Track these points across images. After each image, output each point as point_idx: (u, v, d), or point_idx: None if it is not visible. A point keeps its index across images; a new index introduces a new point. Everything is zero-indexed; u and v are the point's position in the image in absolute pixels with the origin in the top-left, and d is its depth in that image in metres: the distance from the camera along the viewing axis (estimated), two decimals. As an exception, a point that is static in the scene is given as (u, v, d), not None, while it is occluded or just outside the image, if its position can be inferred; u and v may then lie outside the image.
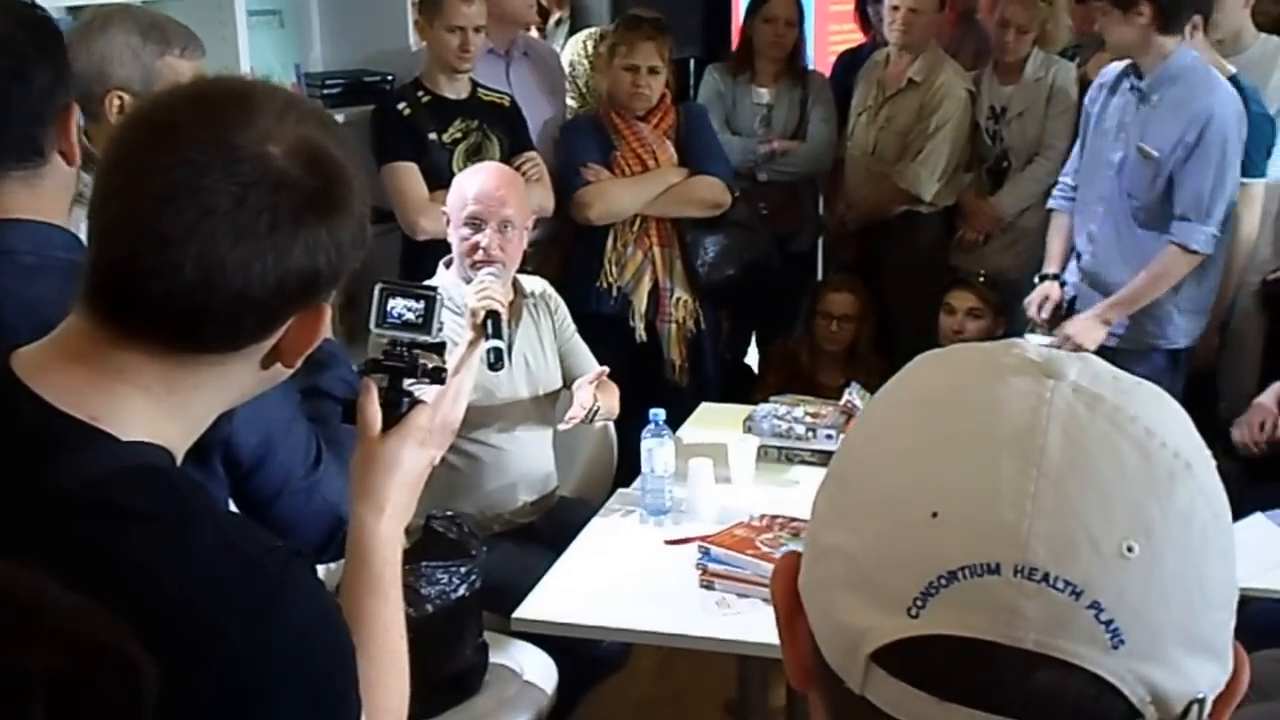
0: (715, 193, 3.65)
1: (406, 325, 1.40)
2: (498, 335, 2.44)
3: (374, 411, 1.27)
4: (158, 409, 0.99)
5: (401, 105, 3.48)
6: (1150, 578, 0.53)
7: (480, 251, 2.67)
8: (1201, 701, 0.55)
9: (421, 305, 1.40)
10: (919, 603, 0.54)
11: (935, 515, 0.55)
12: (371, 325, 1.41)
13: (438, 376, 1.38)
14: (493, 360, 2.43)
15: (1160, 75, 3.20)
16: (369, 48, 3.91)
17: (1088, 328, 3.33)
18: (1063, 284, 3.48)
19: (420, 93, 3.50)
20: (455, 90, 3.52)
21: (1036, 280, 3.55)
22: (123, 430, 0.96)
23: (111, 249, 0.97)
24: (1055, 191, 3.58)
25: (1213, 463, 0.58)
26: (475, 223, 2.69)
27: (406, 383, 1.34)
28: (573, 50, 4.32)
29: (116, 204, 0.97)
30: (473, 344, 2.46)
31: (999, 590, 0.53)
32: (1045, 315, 3.45)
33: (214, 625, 0.92)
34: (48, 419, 0.95)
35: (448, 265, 2.79)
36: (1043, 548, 0.53)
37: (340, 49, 3.93)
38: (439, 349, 1.42)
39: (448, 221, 2.76)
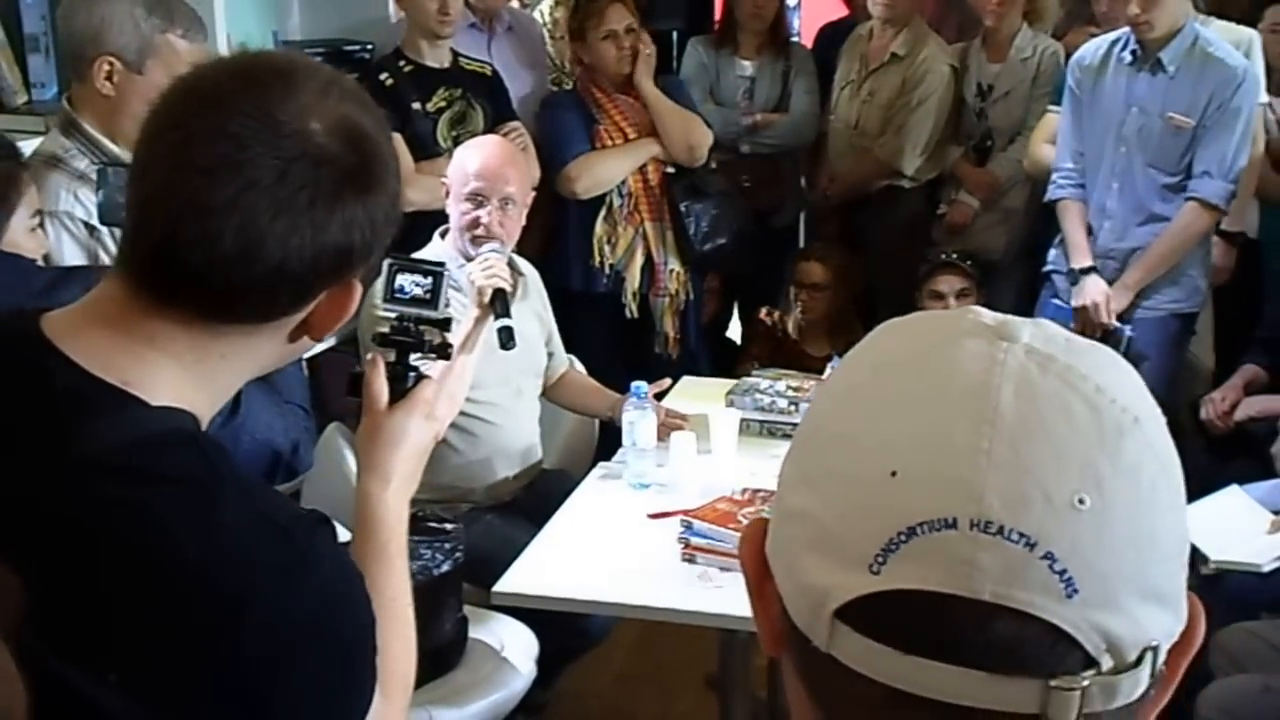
0: (697, 133, 3.63)
1: (414, 301, 1.43)
2: (506, 314, 2.43)
3: (381, 385, 1.31)
4: (186, 376, 1.00)
5: (383, 75, 3.45)
6: (1101, 528, 0.55)
7: (481, 228, 2.67)
8: (1155, 649, 0.56)
9: (429, 281, 1.43)
10: (880, 559, 0.55)
11: (894, 474, 0.56)
12: (379, 300, 1.44)
13: (444, 352, 1.41)
14: (504, 340, 2.43)
15: (1178, 46, 3.20)
16: (348, 16, 3.88)
17: (1113, 295, 3.31)
18: (1096, 270, 3.37)
19: (402, 62, 3.47)
20: (437, 59, 3.49)
21: (1072, 271, 3.37)
22: (152, 396, 0.97)
23: (152, 218, 0.98)
24: (1058, 180, 3.45)
25: (1163, 420, 0.59)
26: (477, 198, 2.69)
27: (413, 358, 1.36)
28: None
29: (159, 174, 0.98)
30: (479, 321, 2.45)
31: (956, 544, 0.54)
32: (1115, 306, 3.31)
33: (240, 591, 0.93)
34: (79, 382, 0.96)
35: (443, 235, 2.78)
36: (997, 501, 0.54)
37: (318, 17, 3.89)
38: (445, 324, 1.45)
39: (447, 193, 2.75)
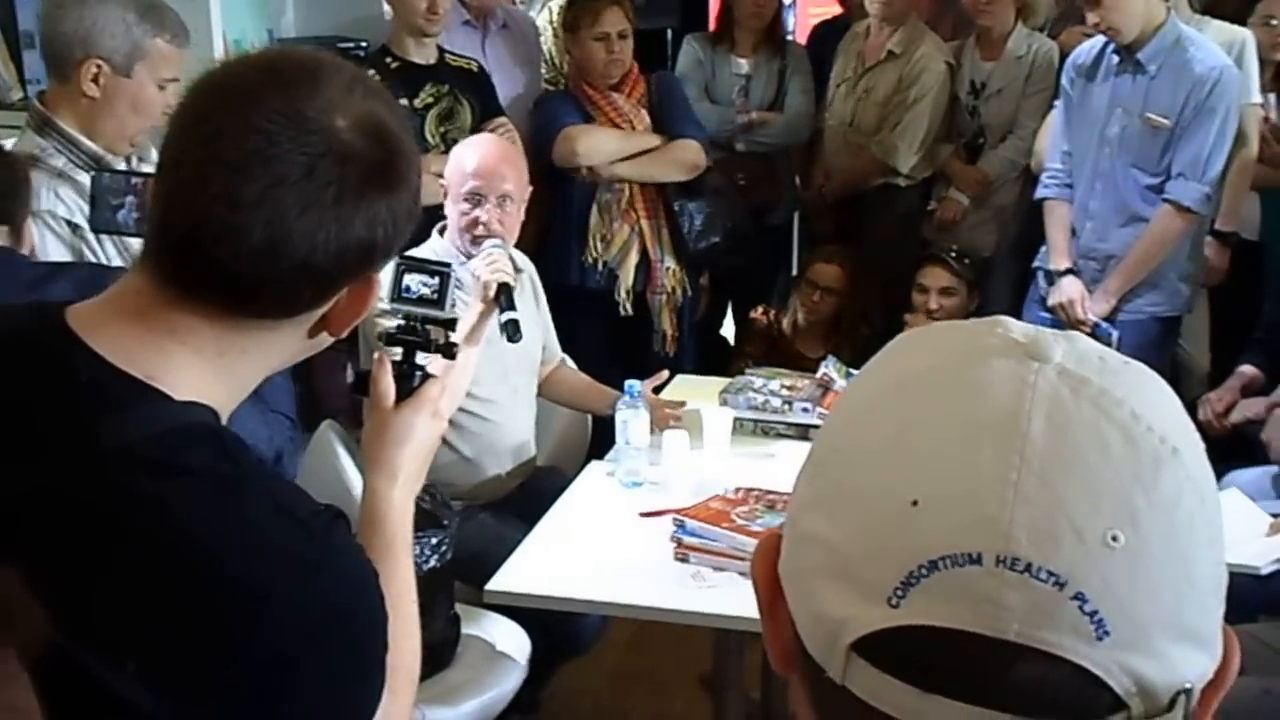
0: (693, 154, 3.64)
1: (421, 300, 1.46)
2: (511, 307, 2.44)
3: (388, 383, 1.32)
4: (208, 370, 1.01)
5: (371, 73, 3.42)
6: (1136, 567, 0.52)
7: (480, 226, 2.69)
8: (1189, 692, 0.54)
9: (436, 281, 1.46)
10: (899, 593, 0.53)
11: (915, 504, 0.53)
12: (387, 300, 1.45)
13: (449, 351, 1.43)
14: (510, 333, 2.44)
15: (1157, 46, 3.19)
16: (342, 14, 3.88)
17: (1095, 301, 3.31)
18: (1074, 273, 3.37)
19: (389, 59, 3.46)
20: (424, 56, 3.48)
21: (1050, 272, 3.38)
22: (174, 390, 0.99)
23: (181, 212, 0.99)
24: (1045, 180, 3.46)
25: (1201, 446, 0.56)
26: (475, 197, 2.70)
27: (419, 357, 1.38)
28: (541, 20, 4.28)
29: (189, 168, 0.99)
30: (483, 316, 2.45)
31: (981, 581, 0.52)
32: (1097, 312, 3.31)
33: (259, 584, 0.94)
34: (103, 375, 0.97)
35: (441, 232, 2.78)
36: (1025, 537, 0.52)
37: (313, 15, 3.89)
38: (451, 324, 1.47)
39: (445, 193, 2.75)
